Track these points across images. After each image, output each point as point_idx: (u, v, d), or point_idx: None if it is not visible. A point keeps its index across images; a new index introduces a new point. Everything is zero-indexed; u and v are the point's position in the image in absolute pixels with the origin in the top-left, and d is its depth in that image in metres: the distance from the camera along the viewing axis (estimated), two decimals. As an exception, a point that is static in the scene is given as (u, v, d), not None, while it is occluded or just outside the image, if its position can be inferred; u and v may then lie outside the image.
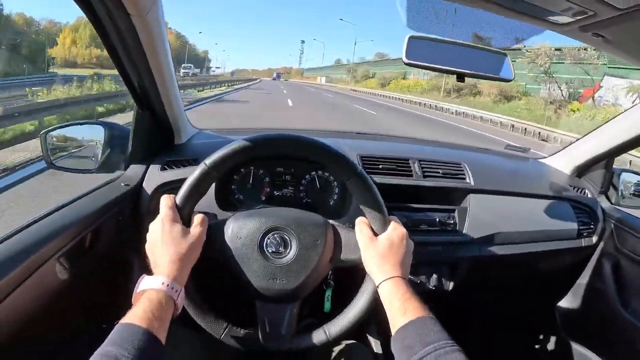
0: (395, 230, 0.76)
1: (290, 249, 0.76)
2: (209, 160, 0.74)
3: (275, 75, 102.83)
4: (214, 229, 0.77)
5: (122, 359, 0.51)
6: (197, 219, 0.74)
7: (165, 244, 0.69)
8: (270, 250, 0.76)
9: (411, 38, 0.83)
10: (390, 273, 0.71)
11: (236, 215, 0.79)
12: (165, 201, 0.73)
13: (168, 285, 0.64)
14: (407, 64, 0.83)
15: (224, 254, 0.76)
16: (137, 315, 0.58)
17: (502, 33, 0.93)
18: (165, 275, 0.65)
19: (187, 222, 0.74)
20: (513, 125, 14.61)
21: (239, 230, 0.76)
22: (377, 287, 0.72)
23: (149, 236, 0.72)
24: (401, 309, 0.66)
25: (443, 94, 27.06)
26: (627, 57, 0.74)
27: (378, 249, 0.74)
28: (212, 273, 0.81)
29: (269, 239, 0.76)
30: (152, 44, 0.86)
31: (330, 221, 0.81)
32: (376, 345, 1.11)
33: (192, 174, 0.75)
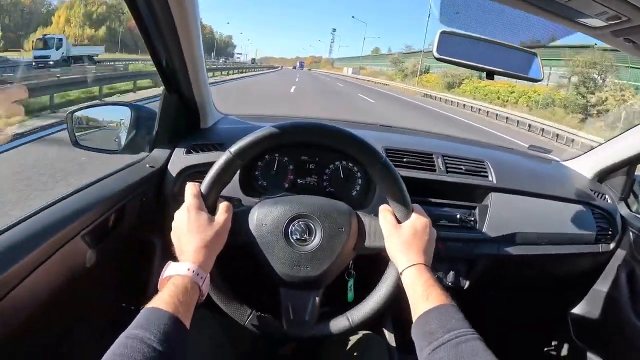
0: (419, 218, 0.77)
1: (315, 236, 0.77)
2: (233, 149, 0.75)
3: (298, 64, 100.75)
4: (239, 216, 0.77)
5: (149, 342, 0.52)
6: (222, 206, 0.75)
7: (191, 232, 0.70)
8: (295, 238, 0.76)
9: (443, 33, 0.84)
10: (414, 260, 0.72)
11: (261, 202, 0.80)
12: (191, 189, 0.74)
13: (194, 271, 0.65)
14: (437, 59, 0.84)
15: (249, 241, 0.77)
16: (163, 300, 0.59)
17: (533, 32, 0.93)
18: (191, 261, 0.66)
19: (212, 210, 0.74)
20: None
21: (264, 217, 0.77)
22: (401, 273, 0.73)
23: (174, 224, 0.73)
24: (424, 295, 0.67)
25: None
26: None
27: (402, 236, 0.75)
28: (237, 260, 0.82)
29: (293, 226, 0.77)
30: (186, 25, 0.87)
31: (358, 212, 0.81)
32: (390, 338, 1.12)
33: (217, 162, 0.75)
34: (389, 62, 48.78)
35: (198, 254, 0.68)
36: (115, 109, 1.18)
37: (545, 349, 1.55)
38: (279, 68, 71.72)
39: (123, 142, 1.12)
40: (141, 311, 0.58)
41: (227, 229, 0.74)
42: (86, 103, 1.15)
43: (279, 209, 0.77)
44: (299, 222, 0.77)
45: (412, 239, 0.74)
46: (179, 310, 0.58)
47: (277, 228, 0.76)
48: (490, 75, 0.88)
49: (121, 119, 1.15)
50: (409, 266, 0.71)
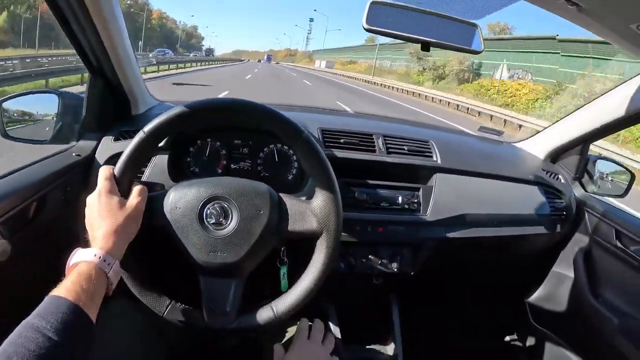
0: None
1: (231, 219, 0.72)
2: (147, 128, 0.71)
3: (265, 57, 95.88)
4: (154, 200, 0.73)
5: (44, 331, 0.50)
6: (136, 190, 0.72)
7: (101, 217, 0.67)
8: (210, 222, 0.72)
9: (373, 3, 0.80)
10: None
11: (177, 185, 0.75)
12: (103, 172, 0.71)
13: (100, 257, 0.62)
14: (367, 30, 0.80)
15: (163, 225, 0.72)
16: (65, 287, 0.57)
17: (473, 3, 0.90)
18: (99, 247, 0.64)
19: (125, 194, 0.71)
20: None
21: (178, 200, 0.72)
22: None
23: (86, 209, 0.70)
24: None
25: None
26: (599, 29, 0.71)
27: None
28: (154, 247, 0.77)
29: (208, 209, 0.72)
30: (98, 8, 0.82)
31: (281, 194, 0.77)
32: (335, 328, 1.08)
33: (130, 143, 0.71)
34: (407, 54, 33.30)
35: (107, 239, 0.65)
36: (44, 97, 1.11)
37: (504, 333, 1.54)
38: (245, 61, 69.01)
39: (52, 132, 1.06)
40: (44, 299, 0.55)
41: (140, 213, 0.70)
42: (15, 93, 1.07)
43: (194, 190, 0.73)
44: (214, 204, 0.72)
45: None
46: (80, 299, 0.56)
47: (192, 211, 0.71)
48: (425, 46, 0.84)
49: (51, 107, 1.08)
50: None
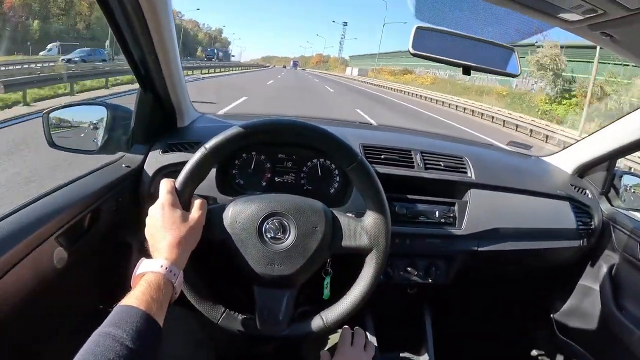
0: None
1: (289, 234, 0.76)
2: (209, 144, 0.74)
3: (291, 63, 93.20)
4: (214, 213, 0.77)
5: (121, 340, 0.52)
6: (197, 203, 0.74)
7: (164, 228, 0.69)
8: (268, 236, 0.76)
9: (418, 29, 0.83)
10: None
11: (236, 200, 0.79)
12: (165, 185, 0.73)
13: (167, 268, 0.64)
14: (413, 55, 0.83)
15: (223, 238, 0.76)
16: (136, 297, 0.59)
17: (510, 28, 0.93)
18: (165, 258, 0.66)
19: (186, 206, 0.74)
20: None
21: (237, 214, 0.76)
22: None
23: (148, 220, 0.72)
24: None
25: None
26: (632, 57, 0.73)
27: None
28: (211, 258, 0.81)
29: (267, 224, 0.76)
30: (158, 25, 0.86)
31: (331, 209, 0.81)
32: (371, 336, 1.12)
33: (192, 157, 0.75)
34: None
35: (171, 250, 0.67)
36: (92, 108, 1.16)
37: (529, 344, 1.56)
38: (269, 67, 68.70)
39: (100, 142, 1.10)
40: (114, 309, 0.57)
41: (201, 226, 0.74)
42: (62, 103, 1.12)
43: (254, 206, 0.77)
44: (273, 220, 0.76)
45: None
46: (151, 308, 0.58)
47: (251, 226, 0.75)
48: (467, 70, 0.87)
49: (98, 119, 1.13)
50: None
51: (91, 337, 0.53)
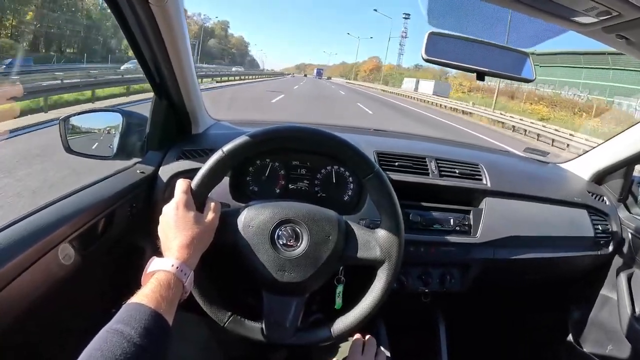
0: None
1: (302, 242, 0.76)
2: (226, 148, 0.75)
3: (315, 72, 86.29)
4: (228, 216, 0.77)
5: (129, 337, 0.52)
6: (211, 205, 0.75)
7: (177, 228, 0.69)
8: (281, 242, 0.76)
9: (431, 34, 0.83)
10: None
11: (250, 204, 0.79)
12: (181, 185, 0.74)
13: (178, 267, 0.64)
14: (426, 60, 0.82)
15: (235, 241, 0.76)
16: (145, 295, 0.59)
17: (523, 32, 0.92)
18: (176, 258, 0.66)
19: (200, 208, 0.74)
20: None
21: (251, 219, 0.76)
22: None
23: (162, 218, 0.73)
24: None
25: None
26: None
27: None
28: (222, 260, 0.81)
29: (280, 230, 0.76)
30: (171, 33, 0.87)
31: (345, 217, 0.80)
32: (385, 339, 1.10)
33: (209, 159, 0.75)
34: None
35: (183, 250, 0.68)
36: (108, 115, 1.18)
37: (546, 354, 1.52)
38: (287, 76, 67.10)
39: (115, 148, 1.12)
40: (123, 306, 0.58)
41: (214, 228, 0.74)
42: (79, 109, 1.14)
43: (268, 212, 0.77)
44: (286, 227, 0.76)
45: None
46: (161, 306, 0.58)
47: (264, 231, 0.75)
48: (480, 76, 0.87)
49: (114, 125, 1.15)
50: None
51: (99, 333, 0.53)
